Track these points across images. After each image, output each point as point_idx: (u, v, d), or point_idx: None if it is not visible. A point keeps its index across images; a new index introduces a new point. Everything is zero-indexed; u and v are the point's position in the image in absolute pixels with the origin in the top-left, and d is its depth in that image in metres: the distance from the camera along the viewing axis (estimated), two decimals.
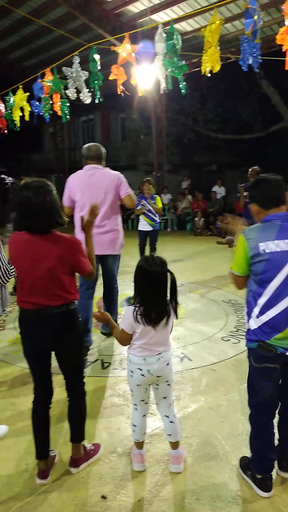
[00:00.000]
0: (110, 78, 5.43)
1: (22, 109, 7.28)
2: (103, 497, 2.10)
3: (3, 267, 2.94)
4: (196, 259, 8.64)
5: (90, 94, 5.97)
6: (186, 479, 2.22)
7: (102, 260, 3.87)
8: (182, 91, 4.82)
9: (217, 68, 4.36)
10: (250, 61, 4.06)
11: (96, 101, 5.84)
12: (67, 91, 6.05)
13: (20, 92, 7.22)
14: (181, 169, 17.72)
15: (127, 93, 5.42)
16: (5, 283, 3.04)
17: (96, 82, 5.66)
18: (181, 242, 11.02)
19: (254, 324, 2.05)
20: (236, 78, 13.59)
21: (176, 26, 8.31)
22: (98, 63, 5.62)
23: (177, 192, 14.90)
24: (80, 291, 3.61)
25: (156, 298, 2.09)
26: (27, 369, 2.32)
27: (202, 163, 18.24)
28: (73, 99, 6.08)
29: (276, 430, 2.19)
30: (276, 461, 2.19)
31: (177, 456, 2.30)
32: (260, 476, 2.11)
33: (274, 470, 2.19)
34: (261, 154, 14.75)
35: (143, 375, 2.17)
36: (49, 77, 6.40)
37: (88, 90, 5.95)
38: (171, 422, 2.29)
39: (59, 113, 6.60)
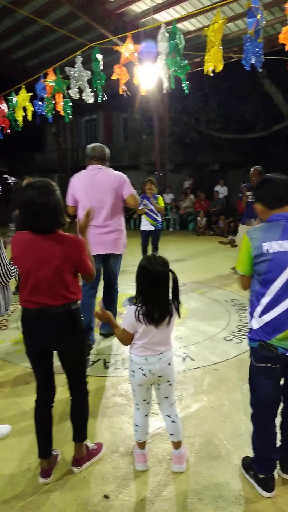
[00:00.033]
0: (113, 77, 5.43)
1: (25, 109, 7.29)
2: (106, 496, 2.10)
3: (4, 268, 2.94)
4: (198, 258, 8.63)
5: (93, 94, 5.97)
6: (188, 479, 2.22)
7: (104, 260, 3.89)
8: (185, 90, 4.82)
9: (219, 67, 4.36)
10: (253, 61, 4.05)
11: (99, 101, 5.84)
12: (69, 91, 6.05)
13: (22, 92, 7.24)
14: (184, 169, 17.71)
15: (128, 94, 5.42)
16: (6, 284, 3.04)
17: (98, 82, 5.67)
18: (183, 242, 11.02)
19: (256, 324, 2.05)
20: (238, 78, 13.58)
21: (179, 25, 8.30)
22: (101, 62, 5.62)
23: (180, 192, 14.89)
24: (83, 290, 3.62)
25: (158, 298, 2.09)
26: (29, 368, 2.33)
27: (204, 162, 18.22)
28: (76, 99, 6.09)
29: (278, 431, 2.19)
30: (278, 461, 2.19)
31: (180, 455, 2.30)
32: (262, 476, 2.11)
33: (277, 470, 2.18)
34: (264, 153, 14.72)
35: (144, 375, 2.17)
36: (51, 77, 6.41)
37: (90, 90, 5.96)
38: (173, 421, 2.29)
39: (62, 113, 6.61)
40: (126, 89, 5.44)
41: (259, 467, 2.13)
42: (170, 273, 2.09)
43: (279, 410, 2.17)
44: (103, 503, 2.06)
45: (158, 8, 9.66)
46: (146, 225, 6.85)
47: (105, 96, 5.79)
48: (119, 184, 3.80)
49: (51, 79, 6.37)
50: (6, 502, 2.09)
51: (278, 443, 2.20)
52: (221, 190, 13.66)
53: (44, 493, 2.14)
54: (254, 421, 2.17)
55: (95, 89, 5.78)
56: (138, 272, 2.10)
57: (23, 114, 7.37)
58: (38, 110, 7.12)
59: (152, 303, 2.08)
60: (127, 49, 5.15)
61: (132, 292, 2.20)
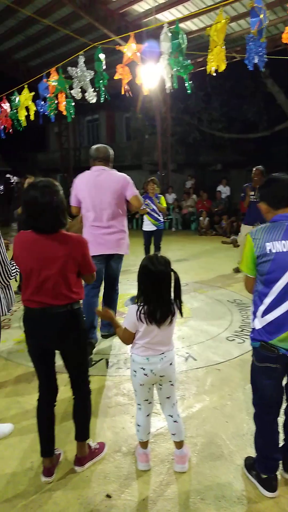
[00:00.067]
0: (115, 77, 5.43)
1: (27, 109, 7.30)
2: (108, 496, 2.11)
3: (5, 268, 2.94)
4: (200, 258, 8.62)
5: (95, 93, 5.97)
6: (190, 479, 2.22)
7: (107, 260, 3.91)
8: (187, 90, 4.81)
9: (222, 67, 4.34)
10: (256, 60, 4.03)
11: (102, 100, 5.84)
12: (72, 91, 6.06)
13: (25, 91, 7.24)
14: (186, 169, 17.70)
15: (130, 94, 5.42)
16: (6, 284, 3.04)
17: (101, 81, 5.66)
18: (186, 242, 11.01)
19: (258, 323, 2.05)
20: (241, 77, 13.56)
21: (182, 25, 8.29)
22: (103, 62, 5.62)
23: (182, 192, 14.88)
24: (86, 289, 3.62)
25: (160, 298, 2.09)
26: (32, 367, 2.33)
27: (207, 162, 18.20)
28: (78, 98, 6.09)
29: (281, 431, 2.19)
30: (281, 461, 2.19)
31: (182, 455, 2.30)
32: (265, 476, 2.11)
33: (279, 470, 2.18)
34: (266, 153, 14.69)
35: (146, 375, 2.17)
36: (54, 76, 6.41)
37: (93, 89, 5.96)
38: (174, 421, 2.29)
39: (64, 112, 6.61)
40: (128, 89, 5.44)
41: (262, 467, 2.13)
42: (172, 273, 2.09)
43: (282, 410, 2.17)
44: (105, 503, 2.07)
45: (160, 8, 9.65)
46: (148, 225, 6.84)
47: (108, 96, 5.79)
48: (122, 185, 3.81)
49: (53, 79, 6.37)
50: (8, 501, 2.09)
51: (281, 443, 2.20)
52: (224, 190, 13.64)
53: (46, 492, 2.15)
54: (256, 421, 2.17)
55: (97, 89, 5.78)
56: (140, 272, 2.10)
57: (26, 113, 7.37)
58: (41, 110, 7.12)
59: (154, 302, 2.08)
60: (129, 49, 5.14)
61: (134, 291, 2.20)
